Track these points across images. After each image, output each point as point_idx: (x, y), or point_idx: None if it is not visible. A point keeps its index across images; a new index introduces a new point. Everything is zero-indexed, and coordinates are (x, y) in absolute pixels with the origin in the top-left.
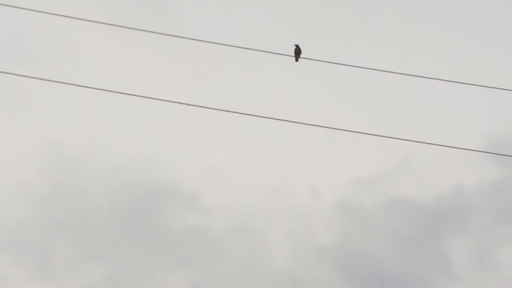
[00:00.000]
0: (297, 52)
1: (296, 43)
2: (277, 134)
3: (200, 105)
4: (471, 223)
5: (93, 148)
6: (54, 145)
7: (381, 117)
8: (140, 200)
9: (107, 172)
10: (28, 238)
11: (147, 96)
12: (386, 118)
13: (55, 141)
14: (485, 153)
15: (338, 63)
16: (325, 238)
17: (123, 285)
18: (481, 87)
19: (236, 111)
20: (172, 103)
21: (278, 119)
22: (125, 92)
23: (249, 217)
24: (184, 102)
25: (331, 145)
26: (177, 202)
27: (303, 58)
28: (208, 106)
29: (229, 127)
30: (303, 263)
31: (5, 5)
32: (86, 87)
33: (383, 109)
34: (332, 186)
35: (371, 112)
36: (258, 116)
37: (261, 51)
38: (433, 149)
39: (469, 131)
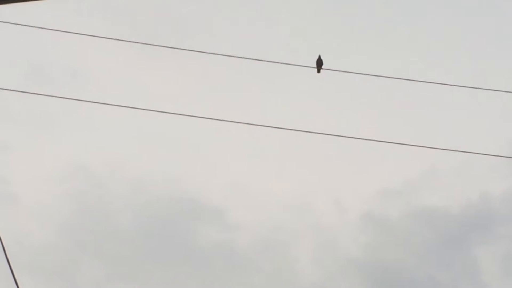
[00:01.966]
0: (319, 63)
1: (319, 54)
2: (300, 147)
3: (223, 119)
4: (499, 231)
5: (117, 167)
6: (78, 166)
7: (405, 126)
8: (166, 218)
9: (132, 190)
10: (55, 260)
11: (171, 112)
12: (410, 127)
13: (78, 162)
14: None
15: (360, 73)
16: (352, 251)
17: None
18: (508, 93)
19: (258, 124)
20: (195, 118)
21: (302, 131)
22: (147, 109)
23: (275, 231)
24: (208, 117)
25: (355, 157)
26: (203, 219)
27: (325, 69)
28: (231, 120)
29: (252, 141)
30: (330, 276)
31: (17, 24)
32: (107, 104)
33: (406, 118)
34: (357, 198)
35: (394, 121)
36: (282, 128)
37: (282, 63)
38: (459, 157)
39: (495, 138)
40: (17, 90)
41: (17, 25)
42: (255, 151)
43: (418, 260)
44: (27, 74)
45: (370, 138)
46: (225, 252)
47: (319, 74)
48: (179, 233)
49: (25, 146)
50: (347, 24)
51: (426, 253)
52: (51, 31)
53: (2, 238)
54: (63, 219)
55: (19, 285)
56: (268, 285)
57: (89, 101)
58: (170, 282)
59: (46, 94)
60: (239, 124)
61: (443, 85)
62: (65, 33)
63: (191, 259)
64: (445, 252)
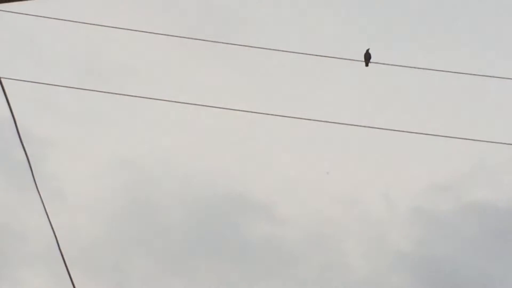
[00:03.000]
0: (367, 57)
1: (367, 48)
2: (349, 141)
3: (270, 113)
4: None
5: (166, 162)
6: (127, 161)
7: (454, 119)
8: (215, 213)
9: (181, 185)
10: (104, 255)
11: (219, 106)
12: (459, 120)
13: (128, 157)
14: None
15: (408, 66)
16: (401, 245)
17: None
18: None
19: (307, 118)
20: (243, 113)
21: (351, 125)
22: (196, 103)
23: (324, 225)
24: (256, 111)
25: (404, 151)
26: (252, 214)
27: (373, 62)
28: (279, 114)
29: (300, 135)
30: (380, 270)
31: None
32: (156, 99)
33: (456, 111)
34: (406, 192)
35: (444, 115)
36: (330, 122)
37: (330, 57)
38: (509, 151)
39: None
40: (67, 86)
41: (69, 22)
42: (303, 145)
43: (468, 255)
44: (78, 70)
45: (419, 132)
46: (273, 247)
47: (367, 67)
48: (228, 228)
49: (75, 142)
50: (396, 17)
51: (477, 248)
52: (102, 27)
53: (56, 235)
54: (112, 214)
55: (73, 280)
56: (317, 280)
57: (138, 96)
58: (219, 277)
59: (95, 89)
60: (287, 118)
61: (493, 78)
62: (116, 29)
63: (240, 254)
64: (496, 246)
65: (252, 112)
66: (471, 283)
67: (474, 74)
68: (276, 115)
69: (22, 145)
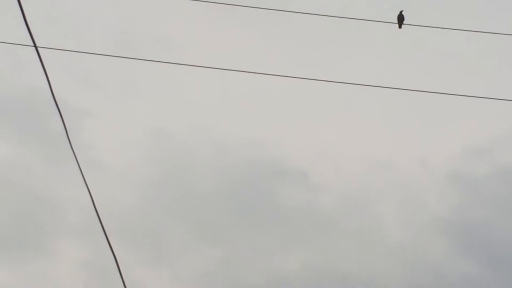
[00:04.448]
0: (401, 19)
1: (401, 10)
2: (384, 104)
3: (305, 77)
4: None
5: (200, 130)
6: (162, 129)
7: (489, 81)
8: (250, 180)
9: (215, 153)
10: (140, 224)
11: (254, 71)
12: (496, 83)
13: (162, 126)
14: None
15: (442, 27)
16: (437, 210)
17: (238, 267)
18: None
19: (340, 81)
20: (279, 78)
21: (385, 87)
22: (230, 69)
23: (359, 192)
24: (291, 75)
25: (440, 114)
26: (287, 180)
27: (406, 24)
28: (314, 78)
29: (335, 100)
30: (416, 236)
31: None
32: (190, 65)
33: (492, 72)
34: (442, 156)
35: (479, 76)
36: (364, 85)
37: (363, 19)
38: None
39: None
40: (100, 53)
41: None
42: (337, 111)
43: (505, 219)
44: (111, 40)
45: (455, 93)
46: (309, 213)
47: (400, 29)
48: (263, 195)
49: (110, 111)
50: None
51: None
52: None
53: (95, 204)
54: (148, 183)
55: (113, 248)
56: (352, 244)
57: (172, 63)
58: (254, 244)
59: (127, 56)
60: (322, 82)
61: None
62: None
63: (275, 221)
64: None
65: (286, 76)
66: (507, 246)
67: (510, 34)
68: (310, 78)
69: (60, 115)
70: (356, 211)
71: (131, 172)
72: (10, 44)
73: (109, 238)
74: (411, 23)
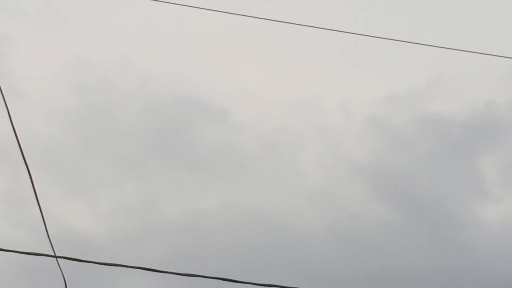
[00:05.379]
0: None
1: None
2: (307, 46)
3: (233, 12)
4: (504, 139)
5: (123, 64)
6: (84, 61)
7: (415, 26)
8: (171, 118)
9: (138, 88)
10: (60, 156)
11: (178, 3)
12: (420, 27)
13: (85, 57)
14: None
15: None
16: (356, 155)
17: (158, 203)
18: None
19: (267, 18)
20: (201, 13)
21: (307, 26)
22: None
23: (280, 133)
24: (214, 9)
25: (362, 59)
26: (207, 118)
27: None
28: (242, 14)
29: (260, 39)
30: (335, 180)
31: None
32: None
33: (418, 17)
34: (363, 102)
35: (404, 21)
36: (286, 22)
37: None
38: (468, 64)
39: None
40: None
41: None
42: (265, 49)
43: (422, 166)
44: None
45: (376, 35)
46: (229, 152)
47: None
48: (183, 132)
49: (33, 40)
50: None
51: (430, 160)
52: None
53: (17, 134)
54: (68, 115)
55: (33, 179)
56: (271, 186)
57: None
58: (173, 181)
59: None
60: (246, 19)
61: None
62: None
63: (195, 159)
64: (449, 159)
65: (214, 10)
66: (425, 195)
67: None
68: (240, 14)
69: None
70: (276, 152)
71: (51, 103)
72: None
73: (29, 169)
74: None
